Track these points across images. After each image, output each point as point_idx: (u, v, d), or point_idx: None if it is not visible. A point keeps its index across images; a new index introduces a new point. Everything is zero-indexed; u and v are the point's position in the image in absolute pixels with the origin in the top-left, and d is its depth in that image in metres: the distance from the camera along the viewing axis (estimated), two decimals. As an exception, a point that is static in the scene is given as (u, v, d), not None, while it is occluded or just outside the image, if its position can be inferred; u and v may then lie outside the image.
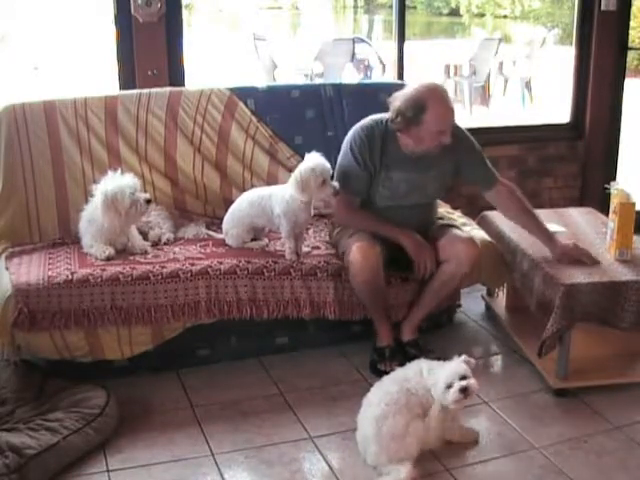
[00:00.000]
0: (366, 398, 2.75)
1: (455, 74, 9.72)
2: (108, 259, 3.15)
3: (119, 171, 3.24)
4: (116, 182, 3.18)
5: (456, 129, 3.21)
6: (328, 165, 3.14)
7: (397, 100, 3.11)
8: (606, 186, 3.39)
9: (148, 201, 3.23)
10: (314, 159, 3.13)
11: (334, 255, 3.31)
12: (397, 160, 3.19)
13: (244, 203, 3.35)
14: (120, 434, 2.82)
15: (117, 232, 3.22)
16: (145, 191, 3.37)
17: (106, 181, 3.20)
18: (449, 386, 2.62)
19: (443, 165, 3.24)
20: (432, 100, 3.05)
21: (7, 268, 3.10)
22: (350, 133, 3.26)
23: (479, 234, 3.45)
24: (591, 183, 4.82)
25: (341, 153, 3.28)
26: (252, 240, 3.38)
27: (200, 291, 3.10)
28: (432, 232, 3.30)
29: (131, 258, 3.20)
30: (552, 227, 3.55)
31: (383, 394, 2.68)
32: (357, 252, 3.08)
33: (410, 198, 3.25)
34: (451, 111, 3.10)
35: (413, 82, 3.24)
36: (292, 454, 2.73)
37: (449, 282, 3.22)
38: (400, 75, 4.50)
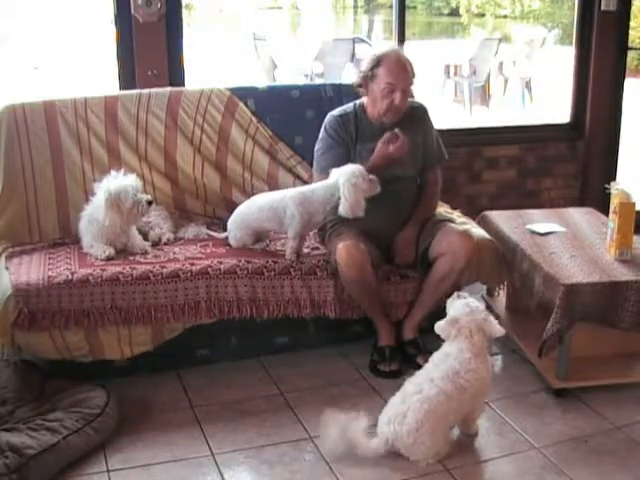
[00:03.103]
0: (412, 382, 2.72)
1: (455, 74, 9.72)
2: (108, 259, 3.16)
3: (121, 172, 3.24)
4: (119, 182, 3.19)
5: (421, 106, 3.45)
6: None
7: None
8: (606, 186, 3.38)
9: (150, 202, 3.23)
10: (353, 173, 3.10)
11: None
12: (370, 131, 3.32)
13: (253, 207, 3.31)
14: (120, 434, 2.82)
15: (118, 232, 3.22)
16: (146, 192, 3.37)
17: (109, 180, 3.20)
18: None
19: (415, 135, 3.34)
20: (387, 56, 3.24)
21: (7, 268, 3.10)
22: (324, 121, 3.38)
23: (478, 232, 3.44)
24: (591, 183, 4.82)
25: (318, 140, 3.38)
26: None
27: (200, 291, 3.10)
28: (427, 229, 3.31)
29: (131, 258, 3.20)
30: (552, 227, 3.56)
31: (438, 390, 2.64)
32: (342, 250, 3.11)
33: (388, 169, 3.26)
34: (403, 70, 3.23)
35: None
36: (292, 454, 2.74)
37: (447, 277, 3.21)
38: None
